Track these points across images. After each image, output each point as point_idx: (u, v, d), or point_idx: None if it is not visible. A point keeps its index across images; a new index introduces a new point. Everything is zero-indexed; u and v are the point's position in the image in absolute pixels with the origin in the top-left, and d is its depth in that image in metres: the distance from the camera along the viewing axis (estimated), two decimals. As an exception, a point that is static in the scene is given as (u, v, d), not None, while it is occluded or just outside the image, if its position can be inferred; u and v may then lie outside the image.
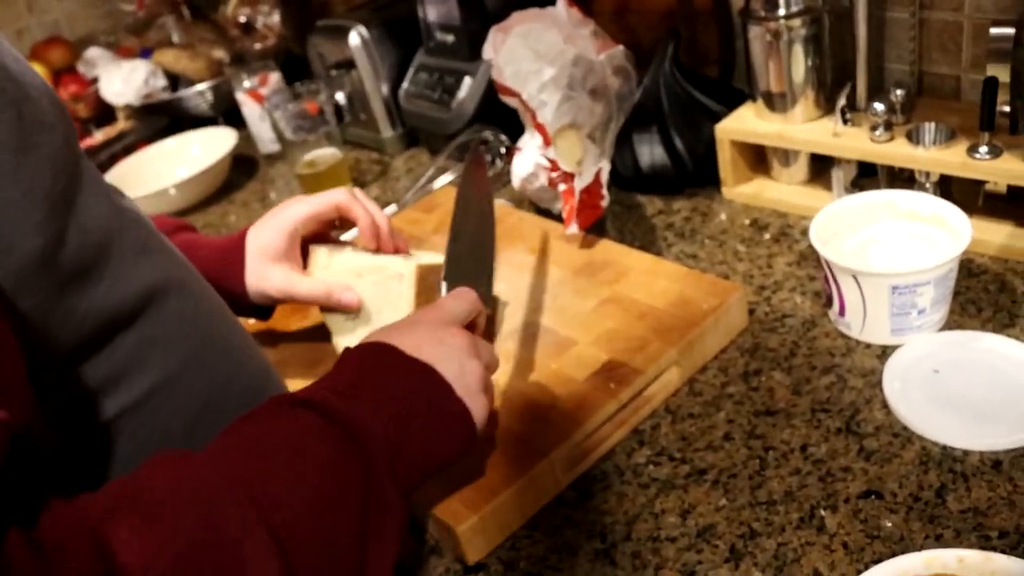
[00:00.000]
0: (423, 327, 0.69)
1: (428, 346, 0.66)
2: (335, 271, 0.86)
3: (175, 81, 1.81)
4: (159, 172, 1.54)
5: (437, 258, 0.88)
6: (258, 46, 1.69)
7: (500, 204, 1.15)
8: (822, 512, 0.66)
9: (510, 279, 0.95)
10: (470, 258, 0.84)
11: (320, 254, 0.87)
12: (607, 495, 0.73)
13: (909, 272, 0.75)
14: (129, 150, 1.66)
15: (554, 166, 0.97)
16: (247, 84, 1.55)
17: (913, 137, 0.89)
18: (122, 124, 1.72)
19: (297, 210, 0.87)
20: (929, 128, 0.89)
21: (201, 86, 1.72)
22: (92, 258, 0.56)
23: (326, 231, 0.91)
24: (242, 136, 1.63)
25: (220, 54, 1.74)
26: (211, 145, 1.55)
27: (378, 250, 0.88)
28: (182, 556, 0.47)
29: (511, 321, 0.90)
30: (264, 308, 0.90)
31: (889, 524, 0.64)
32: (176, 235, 0.86)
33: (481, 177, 0.91)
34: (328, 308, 0.85)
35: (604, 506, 0.72)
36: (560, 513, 0.73)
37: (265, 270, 0.85)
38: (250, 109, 1.56)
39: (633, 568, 0.66)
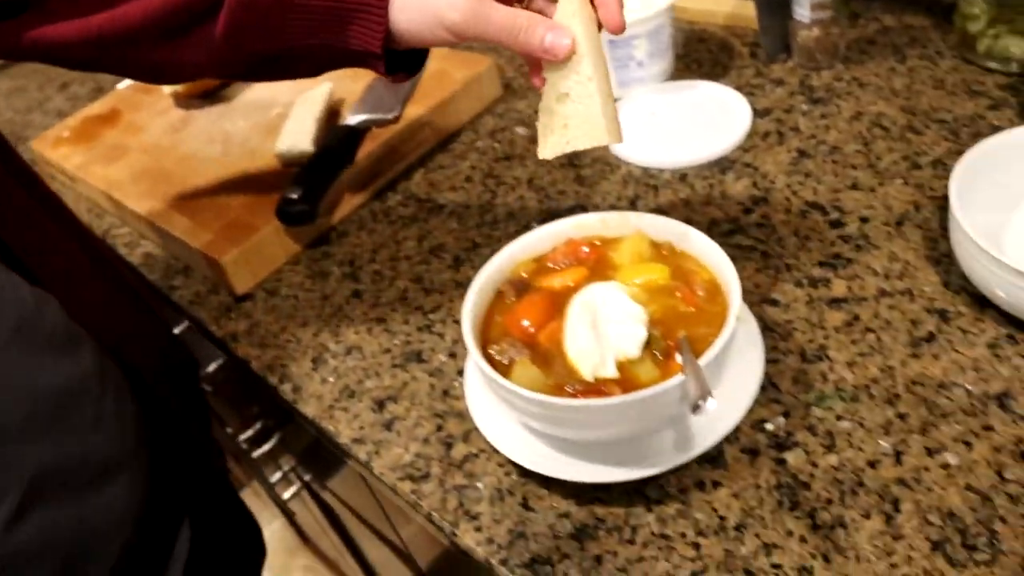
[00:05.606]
0: None
1: None
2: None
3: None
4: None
5: None
6: None
7: None
8: (535, 224, 0.76)
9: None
10: None
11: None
12: (360, 233, 0.82)
13: (622, 24, 0.83)
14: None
15: None
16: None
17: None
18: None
19: None
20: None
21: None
22: None
23: None
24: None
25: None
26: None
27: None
28: None
29: (289, 103, 0.96)
30: (403, 58, 0.58)
31: (586, 226, 0.75)
32: None
33: None
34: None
35: (356, 241, 0.81)
36: (319, 251, 0.81)
37: None
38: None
39: (372, 281, 0.75)
